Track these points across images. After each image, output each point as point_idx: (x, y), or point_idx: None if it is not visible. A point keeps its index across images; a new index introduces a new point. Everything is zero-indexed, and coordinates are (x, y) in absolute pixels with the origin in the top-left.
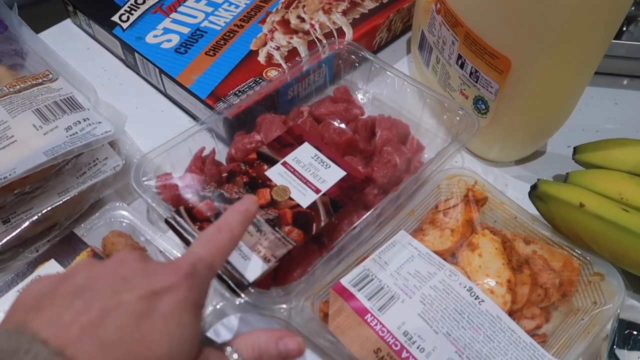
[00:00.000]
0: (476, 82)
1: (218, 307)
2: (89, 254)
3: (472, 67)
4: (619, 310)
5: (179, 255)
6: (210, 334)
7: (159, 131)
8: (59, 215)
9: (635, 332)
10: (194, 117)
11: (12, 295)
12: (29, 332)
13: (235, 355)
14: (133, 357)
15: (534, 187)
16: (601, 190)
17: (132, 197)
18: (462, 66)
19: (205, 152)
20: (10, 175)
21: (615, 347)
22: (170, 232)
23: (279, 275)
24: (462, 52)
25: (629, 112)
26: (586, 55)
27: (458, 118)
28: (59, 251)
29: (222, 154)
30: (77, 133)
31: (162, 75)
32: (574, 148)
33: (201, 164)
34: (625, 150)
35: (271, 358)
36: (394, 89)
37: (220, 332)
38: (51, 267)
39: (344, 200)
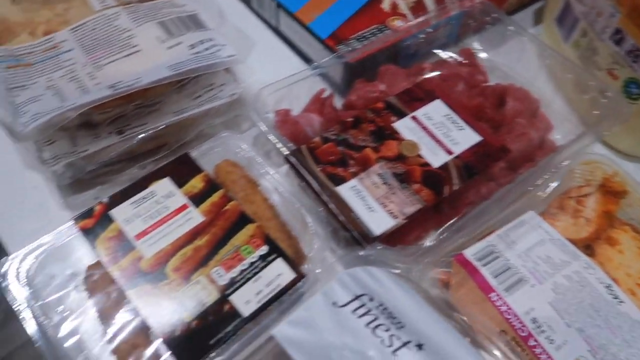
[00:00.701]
0: (635, 61)
1: (341, 255)
2: (203, 179)
3: (633, 43)
4: None
5: (292, 190)
6: (335, 284)
7: (268, 68)
8: (169, 136)
9: None
10: (306, 58)
11: (125, 207)
12: None
13: None
14: None
15: None
16: None
17: (241, 130)
18: (618, 42)
19: (325, 96)
20: (135, 84)
21: None
22: (285, 168)
23: (397, 234)
24: (622, 25)
25: None
26: None
27: (605, 100)
28: (174, 170)
29: (339, 104)
30: (200, 52)
31: (279, 9)
32: None
33: (320, 105)
34: None
35: None
36: (527, 58)
37: (347, 284)
38: (165, 185)
39: (479, 167)
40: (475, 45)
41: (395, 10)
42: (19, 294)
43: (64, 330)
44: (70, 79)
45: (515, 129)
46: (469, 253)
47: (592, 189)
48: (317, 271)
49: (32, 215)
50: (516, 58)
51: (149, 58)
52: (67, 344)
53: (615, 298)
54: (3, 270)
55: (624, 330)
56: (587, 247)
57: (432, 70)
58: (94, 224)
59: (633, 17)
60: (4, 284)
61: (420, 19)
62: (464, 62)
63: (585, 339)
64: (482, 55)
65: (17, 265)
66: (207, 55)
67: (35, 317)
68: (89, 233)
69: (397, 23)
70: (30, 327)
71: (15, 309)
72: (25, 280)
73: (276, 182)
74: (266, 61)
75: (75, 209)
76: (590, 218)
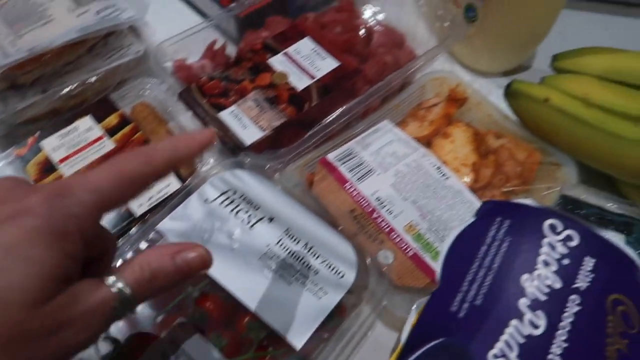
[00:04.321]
0: None
1: (218, 164)
2: (118, 116)
3: None
4: (559, 188)
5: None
6: (207, 186)
7: (174, 29)
8: (88, 92)
9: (577, 208)
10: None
11: (53, 139)
12: None
13: (119, 284)
14: None
15: (508, 86)
16: (568, 90)
17: (153, 82)
18: None
19: (218, 46)
20: (48, 45)
21: None
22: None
23: (272, 147)
24: None
25: (619, 36)
26: None
27: (447, 23)
28: (95, 110)
29: (233, 52)
30: (105, 16)
31: None
32: (553, 56)
33: (213, 54)
34: (596, 57)
35: (169, 276)
36: (393, 2)
37: (216, 185)
38: (87, 121)
39: (334, 86)
40: None
41: None
42: None
43: None
44: None
45: (376, 57)
46: (332, 156)
47: (440, 99)
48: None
49: None
50: (387, 3)
51: (61, 25)
52: None
53: (443, 175)
54: None
55: (447, 198)
56: (428, 142)
57: (315, 19)
58: (27, 151)
59: None
60: None
61: None
62: (344, 8)
63: (417, 208)
64: (365, 3)
65: None
66: (110, 18)
67: None
68: (22, 159)
69: None
70: None
71: None
72: None
73: (183, 122)
74: (174, 24)
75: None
76: (433, 120)
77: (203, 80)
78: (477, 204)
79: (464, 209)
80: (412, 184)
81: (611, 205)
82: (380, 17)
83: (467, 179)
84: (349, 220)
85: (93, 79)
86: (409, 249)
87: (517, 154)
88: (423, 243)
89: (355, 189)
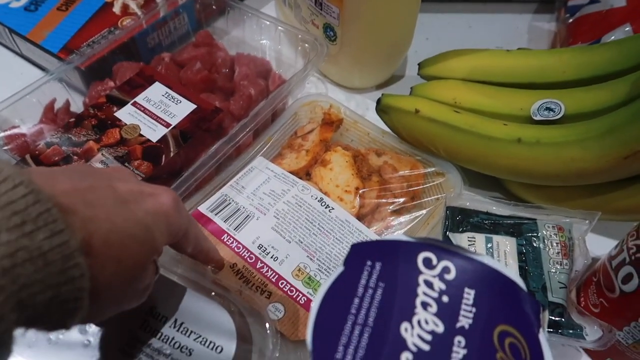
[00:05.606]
0: (321, 9)
1: None
2: None
3: None
4: (444, 195)
5: None
6: None
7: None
8: None
9: (466, 217)
10: None
11: None
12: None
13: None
14: (107, 225)
15: (378, 102)
16: (437, 97)
17: None
18: None
19: (60, 104)
20: None
21: (447, 231)
22: None
23: None
24: None
25: (482, 33)
26: None
27: (307, 45)
28: None
29: (80, 106)
30: None
31: (13, 34)
32: (418, 64)
33: (53, 115)
34: (459, 59)
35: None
36: (252, 28)
37: None
38: None
39: (194, 131)
40: (217, 27)
41: (126, 11)
42: None
43: None
44: None
45: (240, 91)
46: (204, 207)
47: (315, 125)
48: None
49: None
50: (247, 30)
51: None
52: None
53: (327, 207)
54: None
55: (335, 232)
56: (307, 173)
57: (172, 58)
58: None
59: None
60: None
61: (147, 14)
62: (201, 43)
63: (304, 248)
64: (225, 34)
65: None
66: None
67: None
68: None
69: (128, 22)
70: None
71: None
72: None
73: None
74: (18, 87)
75: None
76: (310, 148)
77: (40, 148)
78: (366, 232)
79: (353, 240)
80: (294, 222)
81: (496, 209)
82: (242, 47)
83: (352, 206)
84: (231, 276)
85: None
86: (300, 297)
87: (400, 169)
88: (315, 286)
89: (234, 240)
